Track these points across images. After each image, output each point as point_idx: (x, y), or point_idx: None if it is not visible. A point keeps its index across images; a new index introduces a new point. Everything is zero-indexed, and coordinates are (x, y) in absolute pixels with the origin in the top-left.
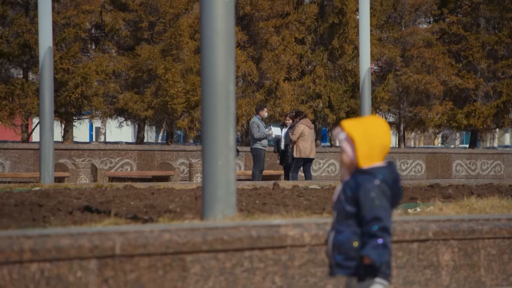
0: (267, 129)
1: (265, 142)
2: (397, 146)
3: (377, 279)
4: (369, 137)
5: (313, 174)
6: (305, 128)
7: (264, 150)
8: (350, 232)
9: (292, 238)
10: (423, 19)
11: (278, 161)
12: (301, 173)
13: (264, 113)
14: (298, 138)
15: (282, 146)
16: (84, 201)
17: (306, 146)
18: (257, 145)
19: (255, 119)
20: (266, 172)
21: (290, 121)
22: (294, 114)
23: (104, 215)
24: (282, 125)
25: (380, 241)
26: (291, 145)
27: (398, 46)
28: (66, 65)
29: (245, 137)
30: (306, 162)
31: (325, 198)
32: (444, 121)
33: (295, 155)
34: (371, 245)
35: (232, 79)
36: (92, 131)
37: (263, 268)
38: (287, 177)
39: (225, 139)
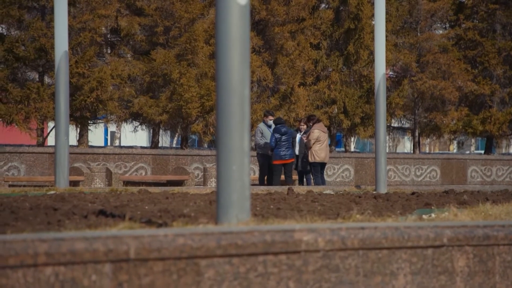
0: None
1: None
2: (412, 152)
3: None
4: None
5: (327, 179)
6: (320, 133)
7: (264, 155)
8: None
9: (306, 243)
10: (438, 24)
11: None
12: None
13: (268, 120)
14: (314, 142)
15: (297, 151)
16: (98, 205)
17: (321, 150)
18: (258, 150)
19: (260, 125)
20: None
21: (305, 126)
22: (306, 118)
23: (119, 219)
24: (297, 131)
25: None
26: (306, 151)
27: (414, 52)
28: (82, 69)
29: None
30: (321, 166)
31: (340, 203)
32: (459, 127)
33: (310, 159)
34: None
35: (247, 84)
36: (107, 136)
37: (277, 273)
38: (301, 182)
39: (239, 144)
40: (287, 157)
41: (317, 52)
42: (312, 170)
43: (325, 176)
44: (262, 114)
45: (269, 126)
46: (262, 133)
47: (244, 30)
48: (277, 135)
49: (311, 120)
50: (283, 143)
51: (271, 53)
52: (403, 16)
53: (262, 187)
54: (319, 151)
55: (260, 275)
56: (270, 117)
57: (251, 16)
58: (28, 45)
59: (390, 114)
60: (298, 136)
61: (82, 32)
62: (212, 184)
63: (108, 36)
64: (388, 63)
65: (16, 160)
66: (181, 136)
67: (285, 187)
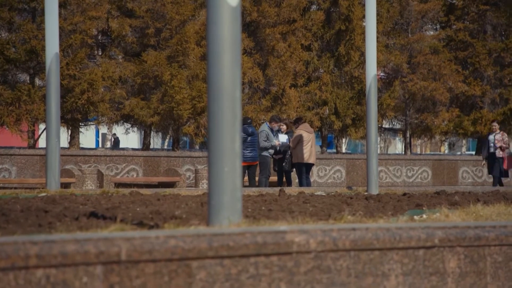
0: (275, 140)
1: (271, 150)
2: (403, 153)
3: None
4: None
5: (319, 180)
6: (303, 133)
7: (270, 157)
8: None
9: (298, 244)
10: (429, 26)
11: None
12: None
13: (275, 126)
14: (297, 143)
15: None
16: (90, 207)
17: (305, 151)
18: (264, 153)
19: (265, 128)
20: (272, 178)
21: (285, 127)
22: (292, 121)
23: (110, 221)
24: (278, 131)
25: None
26: (289, 152)
27: (405, 53)
28: (73, 71)
29: None
30: (306, 167)
31: (331, 204)
32: (450, 128)
33: (293, 160)
34: None
35: (238, 85)
36: (98, 137)
37: (269, 274)
38: (280, 183)
39: (231, 146)
40: (249, 159)
41: (308, 53)
42: (296, 172)
43: (316, 178)
44: (253, 116)
45: (273, 131)
46: (267, 137)
47: (235, 32)
48: (243, 135)
49: (296, 122)
50: (248, 144)
51: (262, 54)
52: (394, 17)
53: (253, 189)
54: (302, 152)
55: (251, 276)
56: (274, 123)
57: (242, 17)
58: (19, 47)
59: (381, 115)
60: (285, 136)
61: (73, 34)
62: (203, 185)
63: (99, 37)
64: (379, 64)
65: (7, 162)
66: (173, 137)
67: (277, 189)
